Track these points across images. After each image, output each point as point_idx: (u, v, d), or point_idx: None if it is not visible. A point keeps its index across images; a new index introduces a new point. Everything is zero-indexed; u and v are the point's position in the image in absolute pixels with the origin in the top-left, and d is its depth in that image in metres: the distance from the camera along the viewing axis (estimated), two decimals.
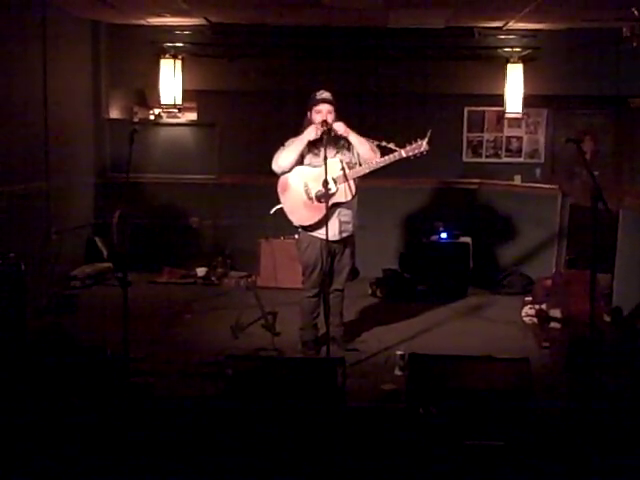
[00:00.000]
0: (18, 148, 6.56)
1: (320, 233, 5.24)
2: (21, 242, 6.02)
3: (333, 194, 5.19)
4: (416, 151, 5.13)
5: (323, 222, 5.09)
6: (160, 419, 4.10)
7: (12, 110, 6.47)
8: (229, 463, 3.57)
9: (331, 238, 5.11)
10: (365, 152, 5.24)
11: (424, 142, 5.12)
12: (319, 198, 5.24)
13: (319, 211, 5.22)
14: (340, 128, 5.24)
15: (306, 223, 5.35)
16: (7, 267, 5.06)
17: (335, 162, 5.20)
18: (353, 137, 5.26)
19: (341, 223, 5.34)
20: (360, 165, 5.29)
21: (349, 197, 5.27)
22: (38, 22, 6.97)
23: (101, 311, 6.40)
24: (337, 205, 5.26)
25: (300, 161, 5.33)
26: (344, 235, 5.39)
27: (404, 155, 5.15)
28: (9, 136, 6.42)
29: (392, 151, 5.17)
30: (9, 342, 4.83)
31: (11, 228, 6.17)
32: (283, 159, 5.31)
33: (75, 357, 4.30)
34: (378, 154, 5.23)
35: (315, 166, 5.26)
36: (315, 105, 5.28)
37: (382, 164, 5.21)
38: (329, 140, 5.12)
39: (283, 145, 5.37)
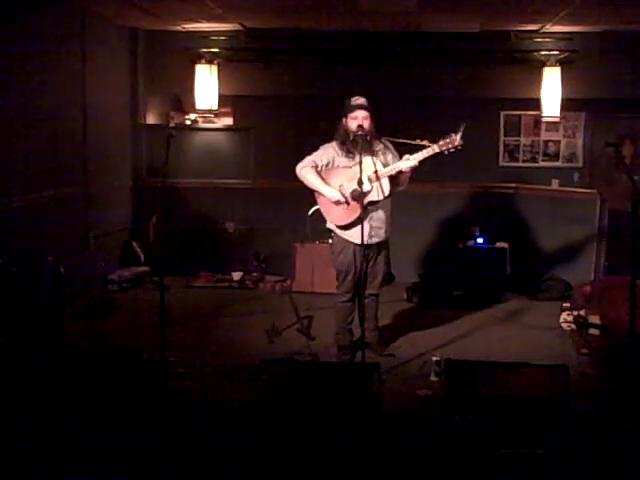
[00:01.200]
0: (57, 153, 6.66)
1: (352, 236, 5.25)
2: (60, 246, 6.11)
3: (368, 192, 5.14)
4: (450, 146, 5.03)
5: (357, 222, 5.10)
6: (196, 422, 4.12)
7: (51, 115, 6.56)
8: (263, 467, 3.58)
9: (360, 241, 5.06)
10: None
11: (458, 136, 5.02)
12: (354, 197, 5.24)
13: (354, 211, 5.23)
14: (407, 167, 5.18)
15: (341, 223, 5.34)
16: (46, 271, 5.12)
17: (369, 161, 5.14)
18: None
19: (372, 228, 5.29)
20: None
21: (386, 194, 5.22)
22: (77, 29, 7.08)
23: (138, 314, 6.46)
24: (372, 204, 5.23)
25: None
26: (374, 240, 5.34)
27: (437, 150, 5.06)
28: (48, 141, 6.53)
29: (425, 148, 5.11)
30: (47, 345, 4.89)
31: (50, 232, 6.26)
32: (304, 179, 5.36)
33: (112, 360, 4.34)
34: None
35: (350, 167, 5.26)
36: (351, 112, 5.26)
37: (416, 160, 5.13)
38: (364, 145, 5.10)
39: (317, 149, 5.42)
